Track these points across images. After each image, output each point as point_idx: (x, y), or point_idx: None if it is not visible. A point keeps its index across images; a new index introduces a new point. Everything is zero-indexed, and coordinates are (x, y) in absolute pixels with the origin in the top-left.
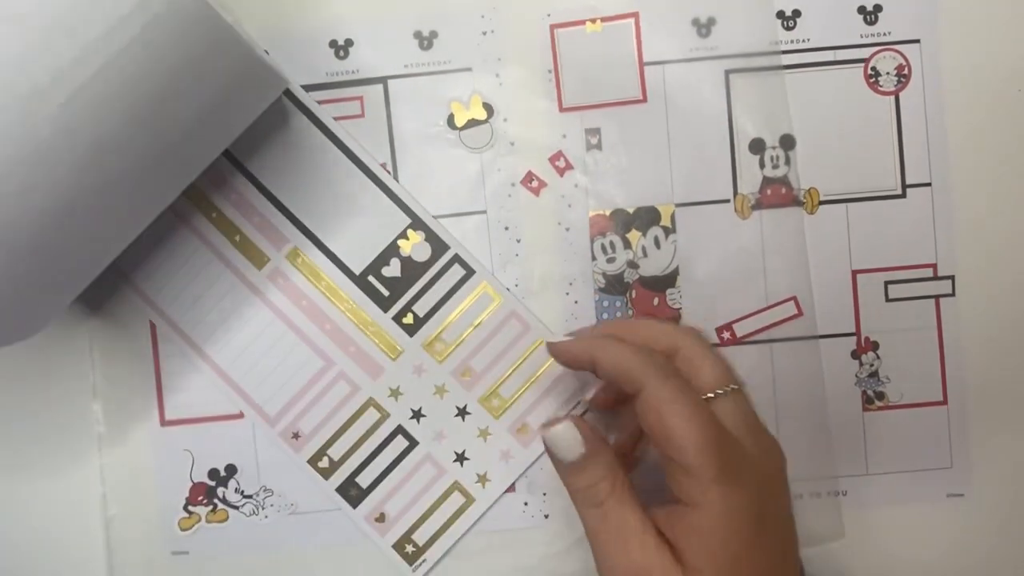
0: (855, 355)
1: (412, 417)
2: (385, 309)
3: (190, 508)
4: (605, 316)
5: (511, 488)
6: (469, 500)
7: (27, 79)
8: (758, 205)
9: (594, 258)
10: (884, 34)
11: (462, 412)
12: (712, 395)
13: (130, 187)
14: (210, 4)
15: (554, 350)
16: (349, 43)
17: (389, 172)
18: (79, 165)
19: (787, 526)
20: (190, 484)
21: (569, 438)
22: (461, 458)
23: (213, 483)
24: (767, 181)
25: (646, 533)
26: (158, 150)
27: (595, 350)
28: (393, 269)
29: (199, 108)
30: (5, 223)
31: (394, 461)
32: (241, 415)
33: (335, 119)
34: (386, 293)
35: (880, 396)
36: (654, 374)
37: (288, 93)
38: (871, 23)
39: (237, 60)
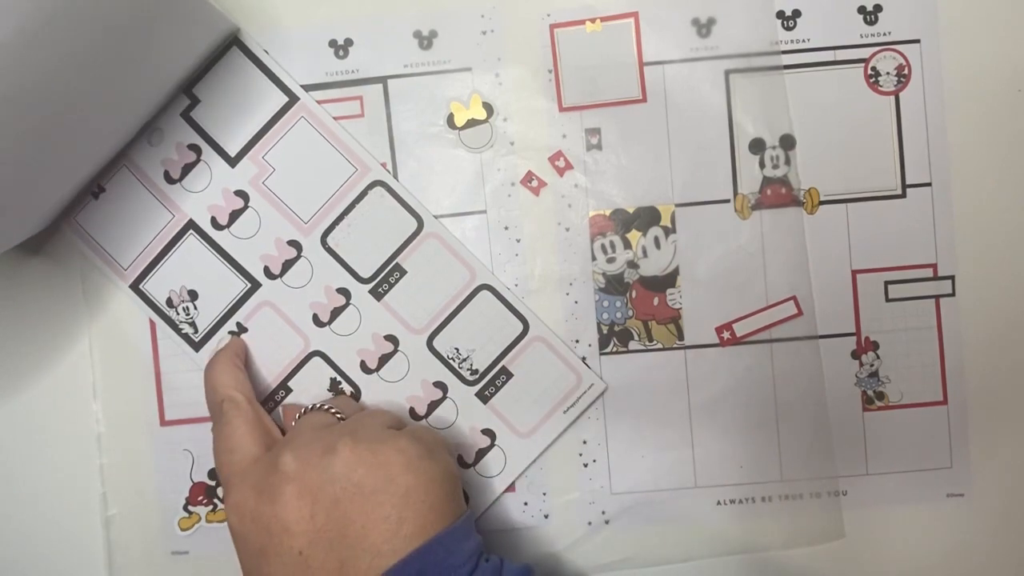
0: (855, 355)
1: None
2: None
3: (190, 508)
4: (605, 316)
5: (511, 488)
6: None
7: None
8: (758, 205)
9: (594, 258)
10: (884, 34)
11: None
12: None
13: (84, 108)
14: None
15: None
16: (349, 43)
17: (389, 171)
18: (32, 88)
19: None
20: (190, 484)
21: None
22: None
23: (213, 483)
24: (767, 181)
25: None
26: (90, 82)
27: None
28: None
29: (130, 38)
30: None
31: None
32: None
33: (335, 119)
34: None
35: (880, 396)
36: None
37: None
38: (871, 23)
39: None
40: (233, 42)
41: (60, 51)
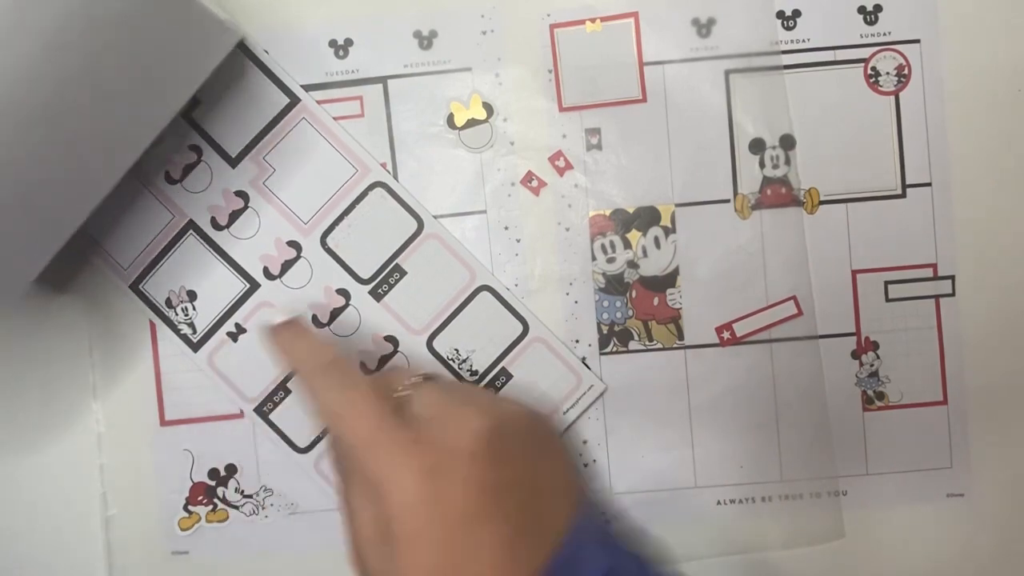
0: (855, 355)
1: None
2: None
3: (190, 508)
4: (605, 316)
5: None
6: None
7: None
8: (758, 205)
9: (594, 258)
10: (884, 34)
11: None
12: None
13: (80, 146)
14: None
15: (268, 331)
16: (349, 43)
17: (389, 172)
18: (26, 121)
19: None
20: (190, 484)
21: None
22: None
23: (213, 483)
24: (767, 181)
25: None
26: (105, 104)
27: (288, 358)
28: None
29: (144, 58)
30: None
31: None
32: (241, 414)
33: (335, 119)
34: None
35: (880, 396)
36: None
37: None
38: (871, 23)
39: (180, 11)
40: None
41: (67, 74)
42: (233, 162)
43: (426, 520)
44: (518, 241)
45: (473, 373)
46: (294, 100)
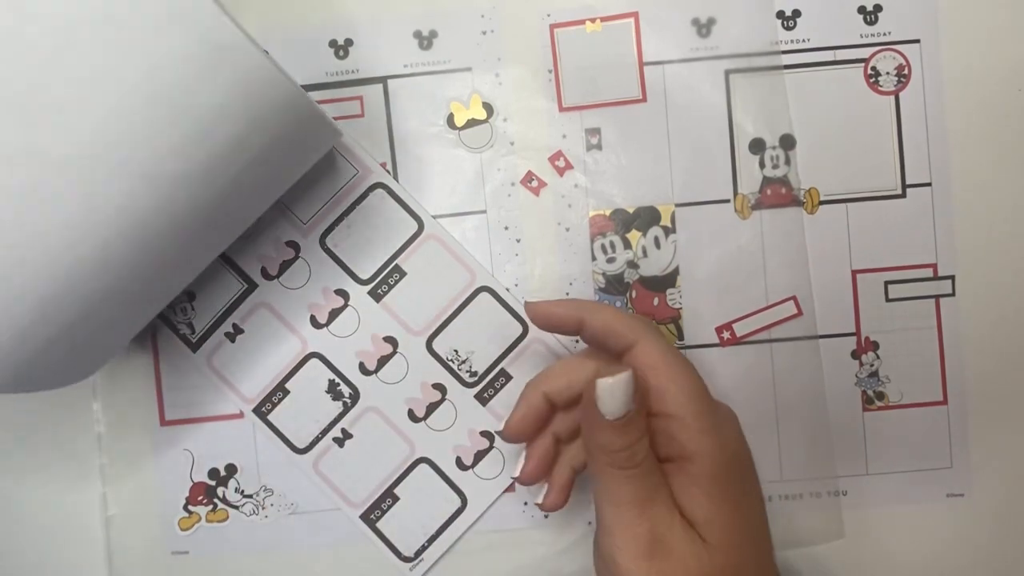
0: (855, 355)
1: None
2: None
3: (190, 508)
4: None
5: (510, 488)
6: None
7: (132, 153)
8: (758, 205)
9: (594, 258)
10: (884, 34)
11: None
12: None
13: (192, 246)
14: (285, 76)
15: (534, 311)
16: (349, 43)
17: (389, 172)
18: (154, 230)
19: (757, 482)
20: (190, 484)
21: (625, 391)
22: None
23: (213, 483)
24: (767, 181)
25: (669, 499)
26: (221, 210)
27: (583, 311)
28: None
29: (263, 168)
30: (79, 282)
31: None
32: (241, 415)
33: (335, 119)
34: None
35: (880, 396)
36: (645, 331)
37: None
38: (871, 23)
39: (301, 119)
40: None
41: (192, 175)
42: None
43: None
44: (518, 241)
45: (472, 374)
46: None
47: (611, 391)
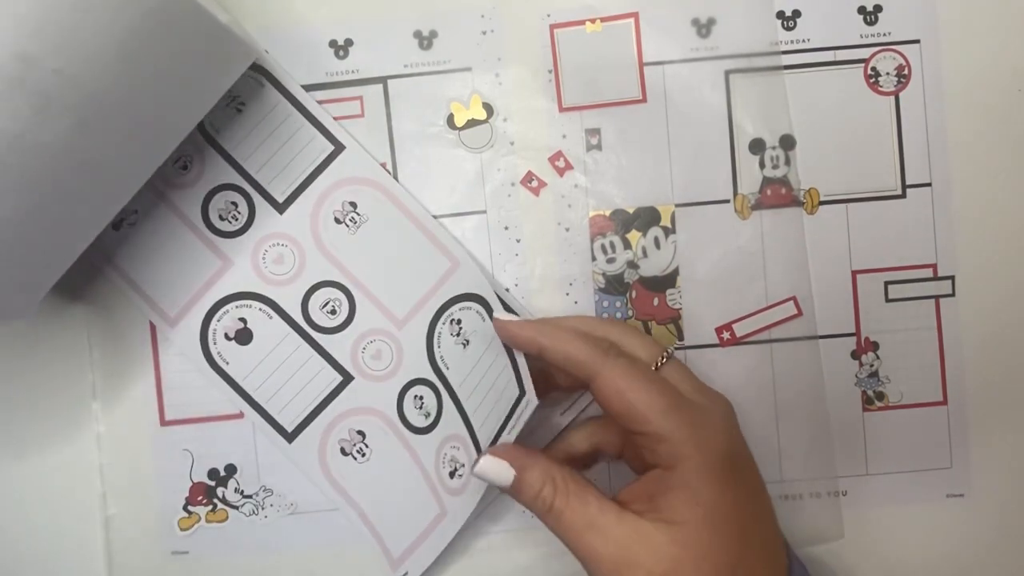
0: (855, 355)
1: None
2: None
3: (190, 508)
4: (605, 316)
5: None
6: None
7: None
8: (758, 205)
9: (594, 258)
10: (884, 34)
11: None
12: (655, 367)
13: (102, 163)
14: None
15: (500, 327)
16: (349, 43)
17: (389, 172)
18: (55, 144)
19: (752, 464)
20: (190, 484)
21: (495, 468)
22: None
23: (213, 483)
24: (767, 181)
25: (609, 512)
26: (125, 123)
27: (542, 337)
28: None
29: (164, 78)
30: None
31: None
32: (241, 415)
33: (335, 119)
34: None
35: (880, 396)
36: (602, 358)
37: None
38: (871, 23)
39: (200, 29)
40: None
41: (88, 91)
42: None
43: None
44: (518, 241)
45: None
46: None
47: (484, 475)
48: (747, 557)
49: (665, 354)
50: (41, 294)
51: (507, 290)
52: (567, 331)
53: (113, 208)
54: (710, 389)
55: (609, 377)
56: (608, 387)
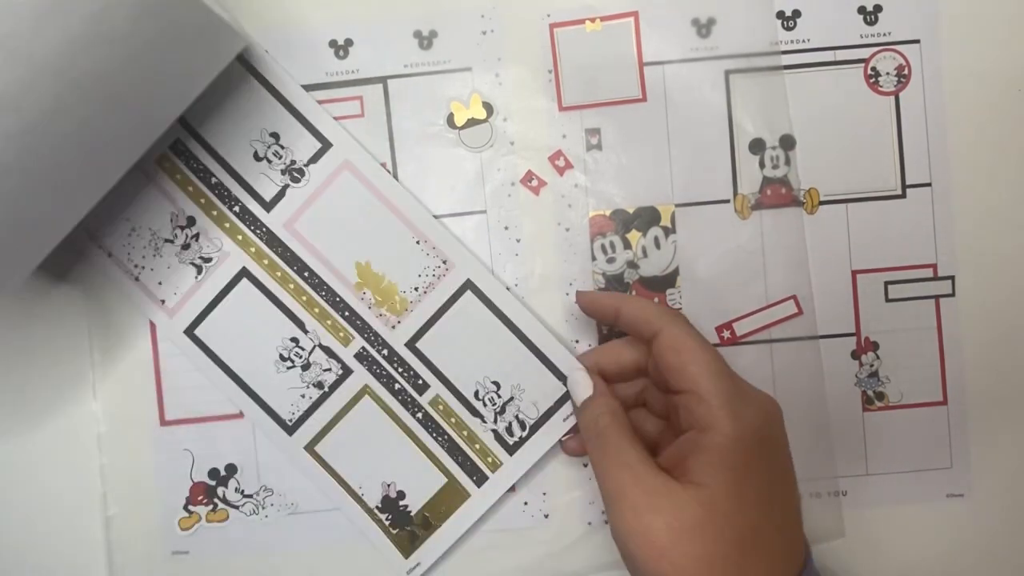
0: (855, 355)
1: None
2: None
3: (190, 508)
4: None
5: (511, 488)
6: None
7: None
8: (758, 205)
9: (594, 258)
10: (884, 34)
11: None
12: None
13: (88, 146)
14: None
15: (582, 299)
16: (349, 43)
17: (389, 172)
18: (36, 123)
19: (787, 469)
20: (190, 484)
21: (585, 381)
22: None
23: (213, 483)
24: (767, 181)
25: (647, 461)
26: (112, 105)
27: (619, 302)
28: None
29: (150, 60)
30: None
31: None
32: (241, 415)
33: (335, 119)
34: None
35: (880, 396)
36: (670, 319)
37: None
38: (871, 23)
39: (189, 15)
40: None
41: (75, 74)
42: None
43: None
44: (518, 241)
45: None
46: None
47: (570, 383)
48: (764, 531)
49: None
50: (26, 273)
51: (507, 289)
52: (641, 299)
53: (100, 189)
54: (759, 390)
55: (672, 333)
56: (669, 341)
